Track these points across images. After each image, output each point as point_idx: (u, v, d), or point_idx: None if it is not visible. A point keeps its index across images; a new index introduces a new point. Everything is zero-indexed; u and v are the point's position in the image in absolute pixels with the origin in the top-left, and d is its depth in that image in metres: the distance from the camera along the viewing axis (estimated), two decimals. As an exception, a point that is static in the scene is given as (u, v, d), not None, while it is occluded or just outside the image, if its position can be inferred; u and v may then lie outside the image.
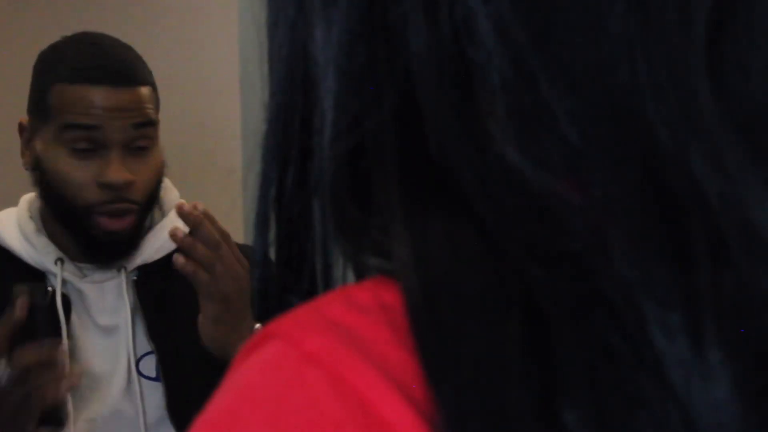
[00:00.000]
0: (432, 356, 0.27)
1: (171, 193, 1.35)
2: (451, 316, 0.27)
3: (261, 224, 0.37)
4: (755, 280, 0.26)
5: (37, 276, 1.26)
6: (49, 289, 1.23)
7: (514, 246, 0.28)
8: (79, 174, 1.21)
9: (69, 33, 1.31)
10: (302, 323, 0.30)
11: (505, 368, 0.26)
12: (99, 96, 1.21)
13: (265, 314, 0.37)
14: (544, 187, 0.28)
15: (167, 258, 1.28)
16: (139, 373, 1.24)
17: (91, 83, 1.22)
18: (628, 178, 0.27)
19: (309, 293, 0.36)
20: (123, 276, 1.26)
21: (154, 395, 1.24)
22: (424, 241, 0.29)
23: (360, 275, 0.34)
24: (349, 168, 0.33)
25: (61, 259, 1.25)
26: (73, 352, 1.22)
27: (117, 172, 1.20)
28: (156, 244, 1.30)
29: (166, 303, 1.28)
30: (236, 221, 2.89)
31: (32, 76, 1.28)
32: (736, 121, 0.28)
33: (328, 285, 0.36)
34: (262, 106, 0.37)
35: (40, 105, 1.25)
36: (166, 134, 1.33)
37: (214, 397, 0.30)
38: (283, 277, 0.36)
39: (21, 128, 1.29)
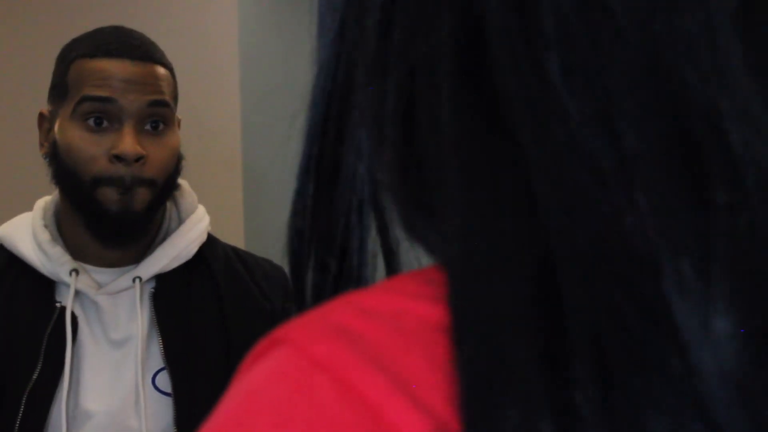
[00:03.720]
0: (468, 377, 0.27)
1: (189, 198, 1.33)
2: (491, 328, 0.27)
3: (303, 177, 0.37)
4: None
5: (49, 286, 1.23)
6: (57, 305, 1.21)
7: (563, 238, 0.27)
8: (92, 147, 1.19)
9: (70, 32, 1.31)
10: (310, 329, 0.30)
11: (544, 398, 0.26)
12: (116, 68, 1.20)
13: (297, 271, 0.37)
14: (584, 120, 0.27)
15: (184, 267, 1.27)
16: (156, 389, 1.21)
17: (110, 56, 1.21)
18: (657, 129, 0.27)
19: (341, 257, 0.36)
20: (138, 286, 1.23)
21: (165, 411, 1.20)
22: (473, 232, 0.29)
23: (390, 264, 0.34)
24: (395, 113, 0.32)
25: (75, 270, 1.22)
26: (79, 368, 1.20)
27: (129, 144, 1.18)
28: (173, 253, 1.26)
29: (183, 317, 1.24)
30: (235, 216, 2.89)
31: (54, 66, 1.27)
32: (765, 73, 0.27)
33: (362, 250, 0.36)
34: (312, 51, 0.37)
35: (59, 86, 1.24)
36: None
37: (220, 404, 0.30)
38: (317, 236, 0.36)
39: (41, 118, 1.28)
